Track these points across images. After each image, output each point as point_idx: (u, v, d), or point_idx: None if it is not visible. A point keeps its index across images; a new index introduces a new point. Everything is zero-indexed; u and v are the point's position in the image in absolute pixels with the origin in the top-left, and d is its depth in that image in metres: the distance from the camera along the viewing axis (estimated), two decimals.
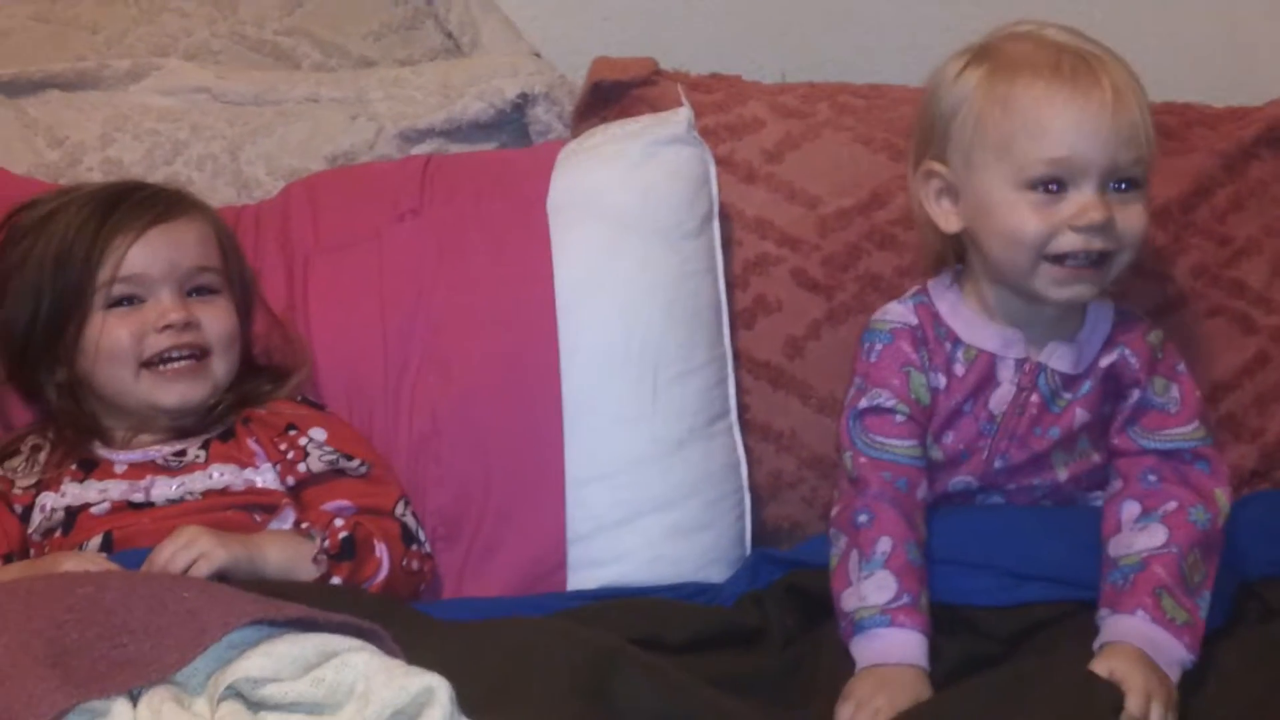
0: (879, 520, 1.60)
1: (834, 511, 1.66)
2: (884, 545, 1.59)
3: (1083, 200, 1.56)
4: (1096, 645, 1.54)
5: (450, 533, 1.76)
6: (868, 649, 1.56)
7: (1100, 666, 1.50)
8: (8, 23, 2.09)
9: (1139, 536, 1.59)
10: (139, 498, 1.66)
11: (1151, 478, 1.63)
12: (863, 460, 1.63)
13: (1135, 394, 1.65)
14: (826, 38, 2.22)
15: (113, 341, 1.67)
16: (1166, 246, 1.92)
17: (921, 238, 1.73)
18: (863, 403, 1.65)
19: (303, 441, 1.70)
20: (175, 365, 1.68)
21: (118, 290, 1.68)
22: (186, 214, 1.73)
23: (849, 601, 1.59)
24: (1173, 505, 1.61)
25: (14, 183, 1.87)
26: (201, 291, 1.71)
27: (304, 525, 1.66)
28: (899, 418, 1.64)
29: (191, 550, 1.55)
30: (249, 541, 1.60)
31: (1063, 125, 1.56)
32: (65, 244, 1.68)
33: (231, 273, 1.75)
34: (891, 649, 1.55)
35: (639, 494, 1.78)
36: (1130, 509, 1.62)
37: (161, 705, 1.26)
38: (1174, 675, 1.52)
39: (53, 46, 2.07)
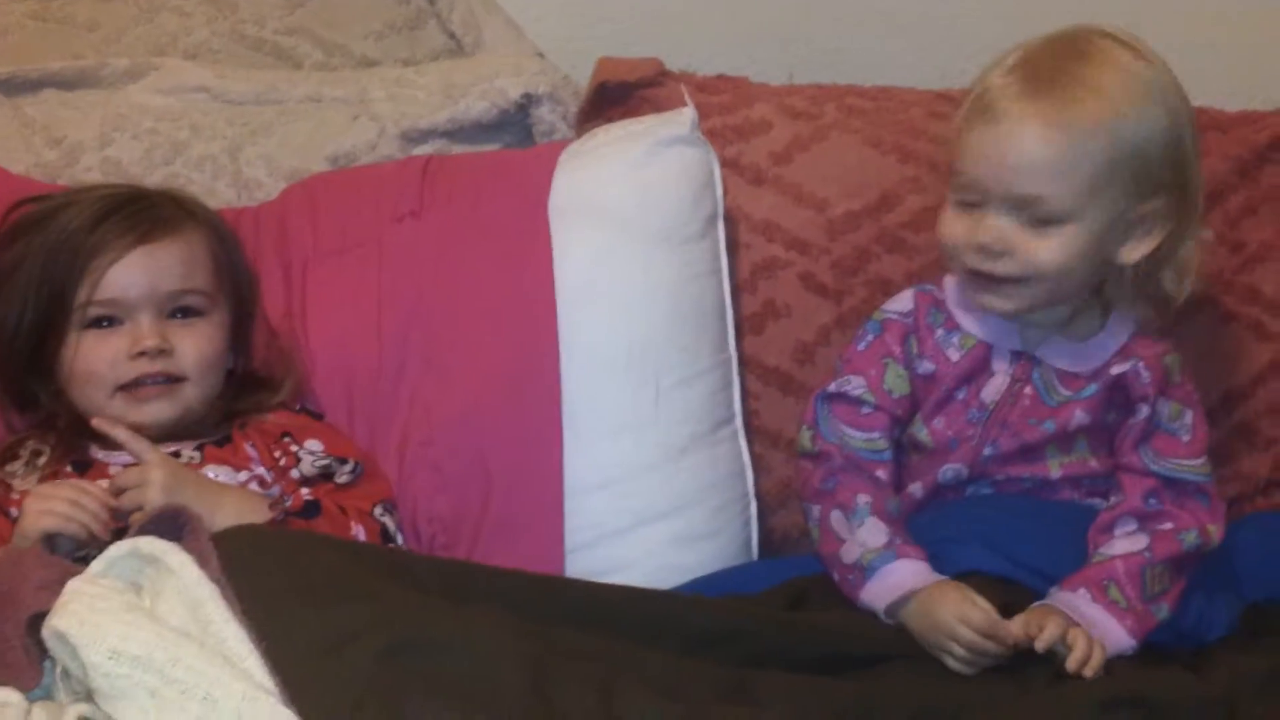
0: (848, 485, 1.65)
1: (799, 487, 1.70)
2: (864, 498, 1.64)
3: (978, 222, 1.60)
4: None
5: (448, 541, 1.73)
6: (883, 586, 1.59)
7: (1014, 623, 1.52)
8: (4, 20, 2.08)
9: (1121, 542, 1.62)
10: None
11: (1153, 500, 1.65)
12: (821, 442, 1.67)
13: (1143, 410, 1.67)
14: (834, 39, 2.22)
15: (86, 365, 1.66)
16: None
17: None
18: (833, 387, 1.69)
19: (295, 449, 1.70)
20: (148, 387, 1.67)
21: (94, 311, 1.66)
22: (175, 232, 1.70)
23: (850, 553, 1.62)
24: (1168, 525, 1.63)
25: (12, 182, 1.85)
26: (186, 313, 1.69)
27: (274, 491, 1.65)
28: (865, 409, 1.68)
29: (136, 496, 1.57)
30: (204, 492, 1.59)
31: (975, 143, 1.60)
32: (52, 255, 1.67)
33: (225, 288, 1.73)
34: (907, 578, 1.59)
35: (641, 502, 1.76)
36: (1126, 523, 1.64)
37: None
38: (1109, 652, 1.54)
39: (50, 45, 2.05)
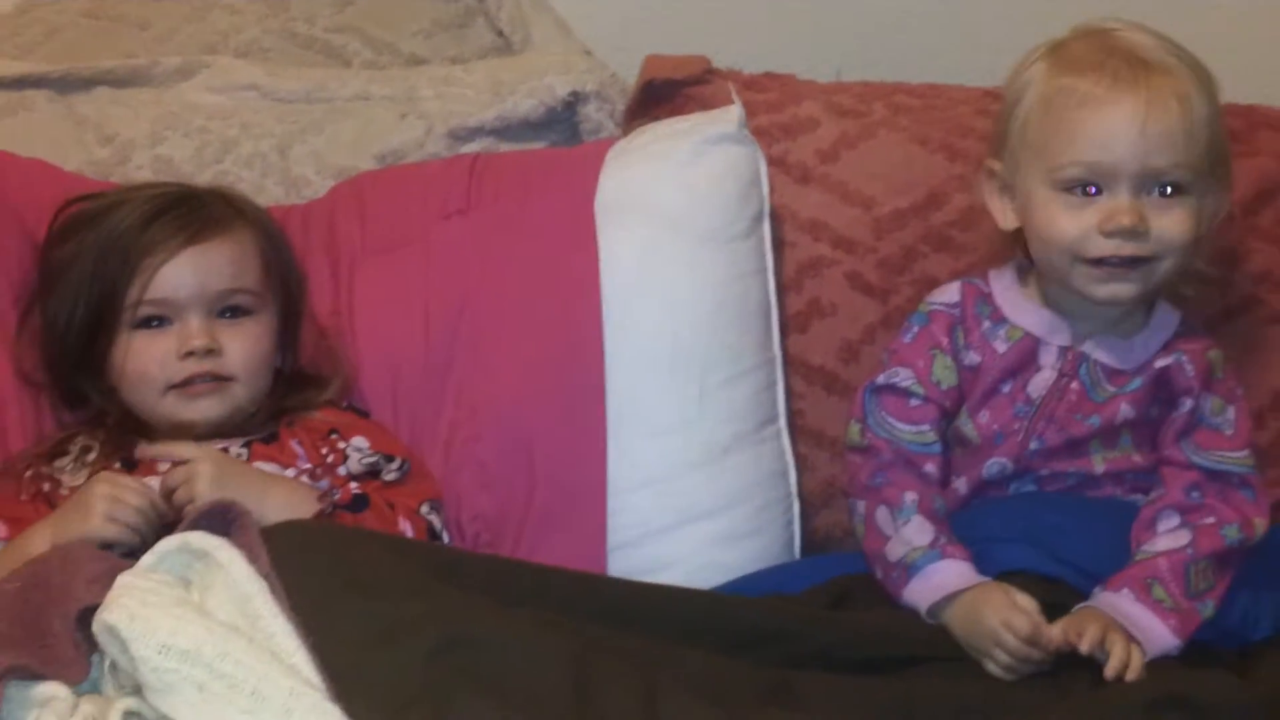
0: (896, 481, 1.64)
1: (845, 482, 1.70)
2: (911, 495, 1.63)
3: (1113, 205, 1.58)
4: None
5: (492, 538, 1.74)
6: (927, 586, 1.59)
7: (1052, 629, 1.52)
8: (58, 19, 2.10)
9: (1164, 538, 1.62)
10: None
11: (1196, 493, 1.64)
12: (870, 436, 1.67)
13: (1187, 403, 1.66)
14: (881, 36, 2.21)
15: (138, 365, 1.68)
16: (1229, 251, 1.88)
17: (990, 234, 1.74)
18: (881, 379, 1.69)
19: (341, 445, 1.71)
20: (198, 384, 1.68)
21: (144, 311, 1.68)
22: (224, 232, 1.71)
23: (895, 551, 1.62)
24: (1210, 520, 1.63)
25: (64, 180, 1.87)
26: (235, 312, 1.70)
27: (323, 484, 1.66)
28: (914, 400, 1.67)
29: (185, 492, 1.58)
30: (252, 483, 1.60)
31: (1093, 128, 1.58)
32: (103, 254, 1.68)
33: (274, 287, 1.74)
34: (951, 578, 1.58)
35: (685, 500, 1.76)
36: (1168, 517, 1.63)
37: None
38: (1154, 653, 1.54)
39: (102, 43, 2.07)
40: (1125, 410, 1.65)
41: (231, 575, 1.31)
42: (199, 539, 1.34)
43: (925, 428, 1.67)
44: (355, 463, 1.70)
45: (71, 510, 1.58)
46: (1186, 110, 1.58)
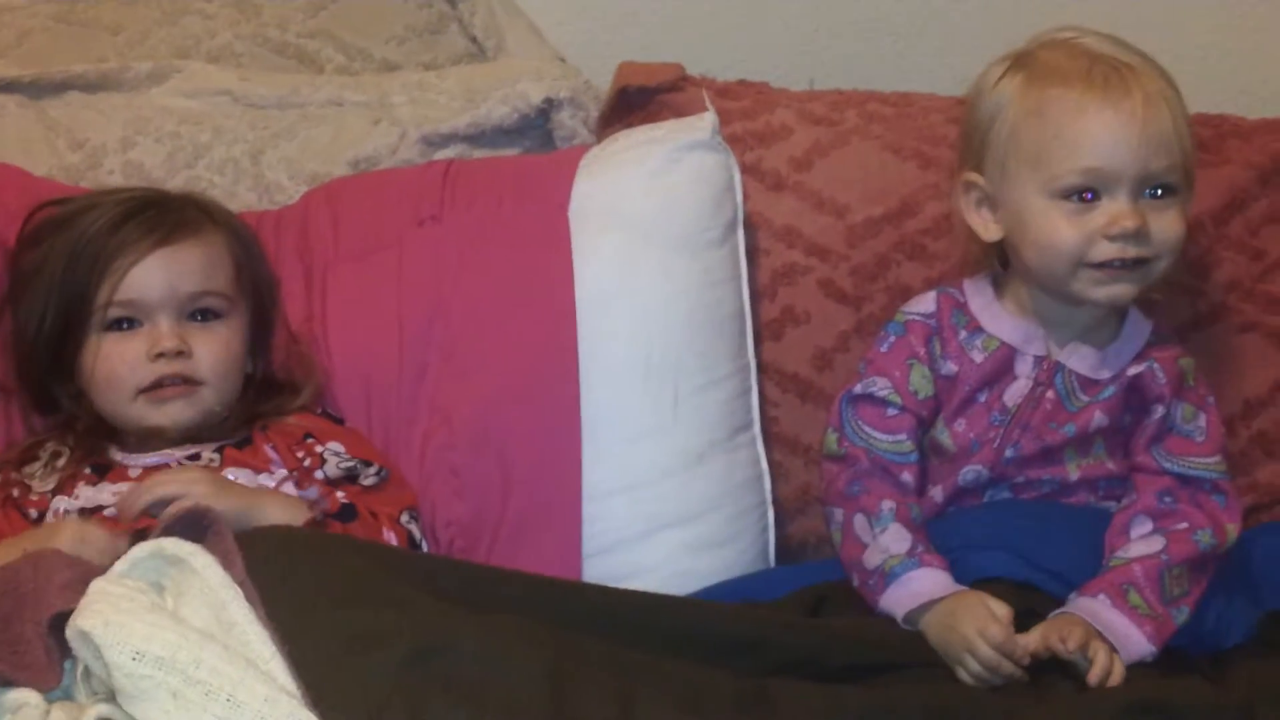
0: (874, 490, 1.65)
1: (822, 490, 1.71)
2: (888, 504, 1.64)
3: (1115, 209, 1.59)
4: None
5: (467, 545, 1.74)
6: (905, 593, 1.59)
7: (1030, 635, 1.53)
8: (29, 22, 2.09)
9: (1137, 544, 1.63)
10: None
11: (1168, 499, 1.66)
12: (847, 444, 1.67)
13: (1158, 410, 1.68)
14: (855, 45, 2.22)
15: (107, 367, 1.67)
16: (1199, 260, 1.90)
17: (964, 245, 1.74)
18: (858, 388, 1.69)
19: (319, 449, 1.70)
20: (167, 388, 1.67)
21: (114, 313, 1.67)
22: (195, 234, 1.70)
23: (872, 558, 1.62)
24: (1183, 525, 1.64)
25: (35, 184, 1.86)
26: (205, 315, 1.70)
27: (311, 492, 1.66)
28: (891, 410, 1.68)
29: (178, 486, 1.56)
30: (245, 498, 1.59)
31: (1094, 135, 1.59)
32: (73, 258, 1.67)
33: (245, 289, 1.74)
34: (928, 586, 1.59)
35: (659, 507, 1.76)
36: (1141, 523, 1.65)
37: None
38: (1129, 659, 1.55)
39: (74, 47, 2.06)
40: (1099, 418, 1.66)
41: (206, 581, 1.30)
42: (173, 545, 1.33)
43: (902, 437, 1.67)
44: (333, 467, 1.69)
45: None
46: (1173, 111, 1.60)
